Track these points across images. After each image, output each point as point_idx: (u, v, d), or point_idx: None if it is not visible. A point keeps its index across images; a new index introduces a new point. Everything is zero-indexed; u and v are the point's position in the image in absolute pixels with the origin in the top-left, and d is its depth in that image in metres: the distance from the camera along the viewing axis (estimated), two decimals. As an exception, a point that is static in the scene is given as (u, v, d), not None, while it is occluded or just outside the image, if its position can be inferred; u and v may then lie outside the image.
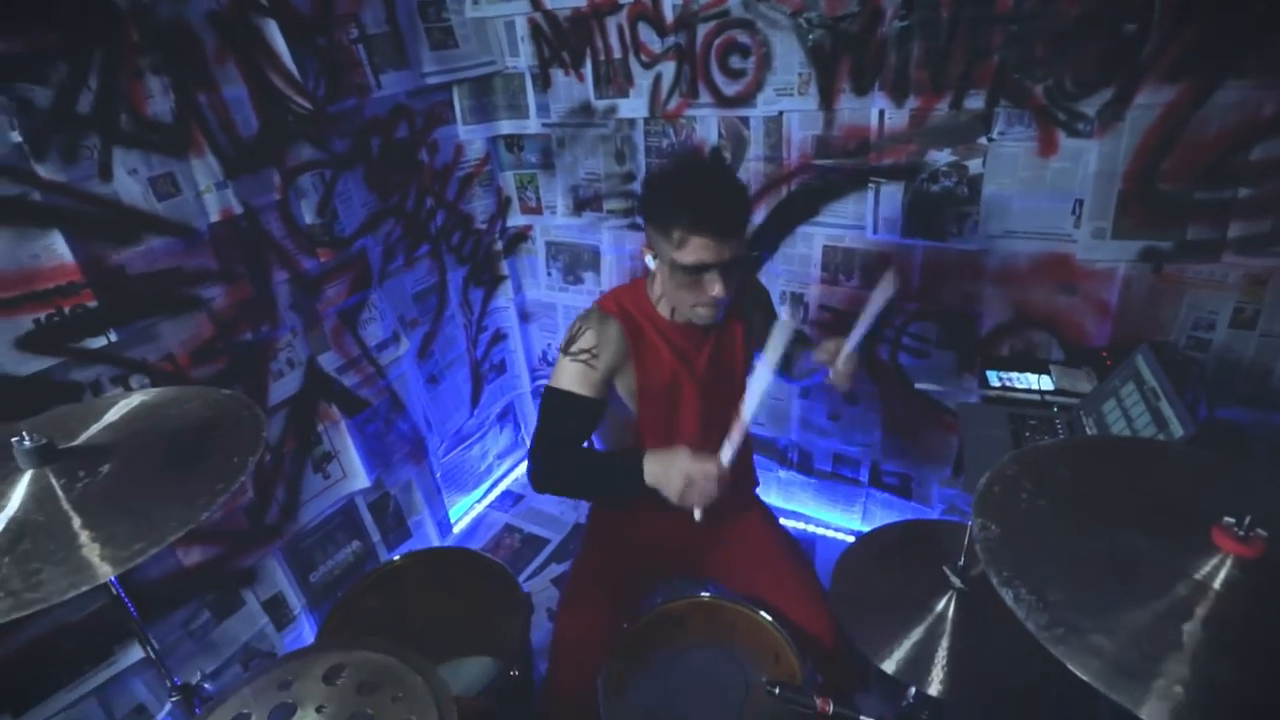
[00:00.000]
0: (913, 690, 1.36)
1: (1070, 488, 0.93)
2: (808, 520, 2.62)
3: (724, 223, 1.36)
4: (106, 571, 0.90)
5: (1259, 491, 0.90)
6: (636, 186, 2.39)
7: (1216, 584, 0.76)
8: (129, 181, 1.63)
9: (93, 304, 1.59)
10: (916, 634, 1.18)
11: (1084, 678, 0.70)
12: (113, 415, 1.18)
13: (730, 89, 2.09)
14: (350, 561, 2.30)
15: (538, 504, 2.86)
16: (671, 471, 1.37)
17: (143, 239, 1.68)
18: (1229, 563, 0.77)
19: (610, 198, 2.46)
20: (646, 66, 2.18)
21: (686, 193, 1.38)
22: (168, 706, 1.77)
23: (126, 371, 1.67)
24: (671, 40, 2.11)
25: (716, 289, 1.39)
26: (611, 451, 1.66)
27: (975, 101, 1.82)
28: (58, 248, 1.53)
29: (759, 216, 2.22)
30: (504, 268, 2.76)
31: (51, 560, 0.91)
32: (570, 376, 1.51)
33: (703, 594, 1.61)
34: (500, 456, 3.00)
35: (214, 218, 1.79)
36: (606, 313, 1.55)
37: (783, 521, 1.87)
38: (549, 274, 2.75)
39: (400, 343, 2.35)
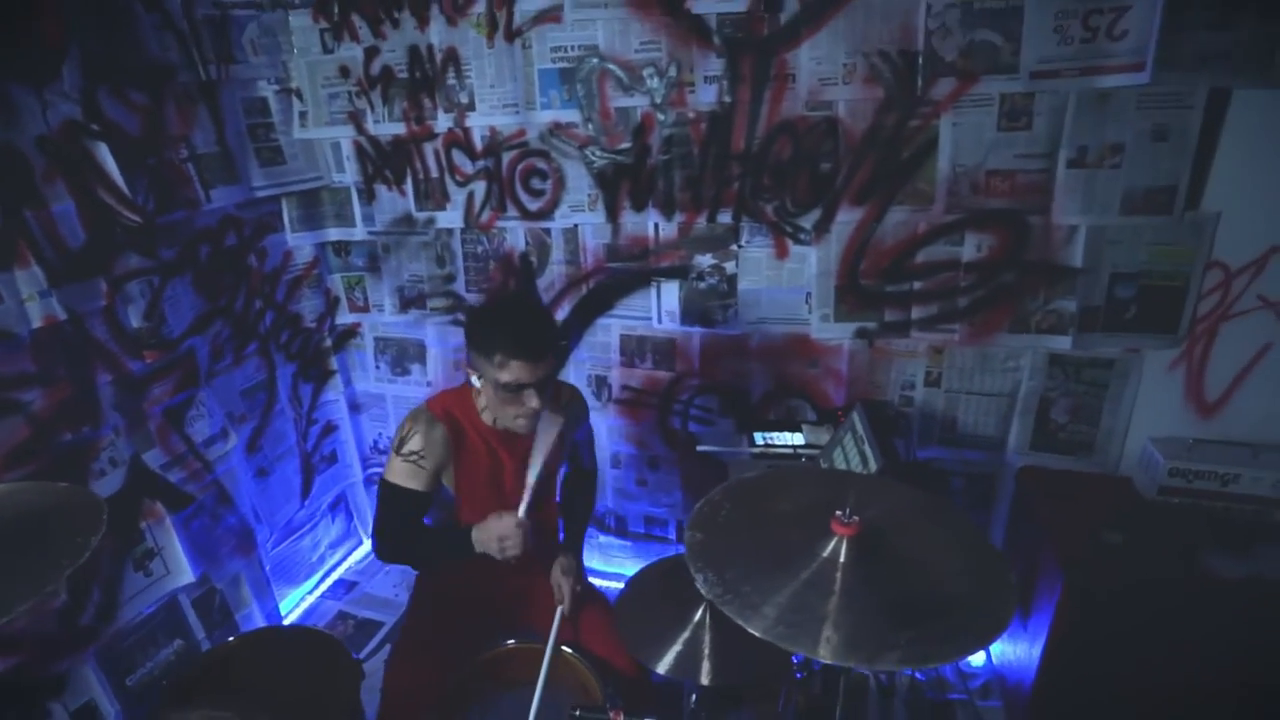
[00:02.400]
0: (694, 698, 1.67)
1: (759, 507, 1.29)
2: (622, 579, 2.89)
3: (537, 348, 1.64)
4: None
5: (874, 496, 1.29)
6: (457, 287, 2.68)
7: (841, 558, 1.12)
8: (-53, 289, 1.70)
9: (-99, 409, 1.62)
10: (683, 639, 1.48)
11: (755, 634, 1.01)
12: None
13: (533, 205, 2.47)
14: (172, 661, 2.28)
15: (371, 589, 2.94)
16: (489, 534, 1.68)
17: (-41, 345, 1.73)
18: (843, 542, 1.13)
19: (434, 297, 2.73)
20: (461, 185, 2.52)
21: (504, 324, 1.67)
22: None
23: (-65, 477, 1.68)
24: (481, 164, 2.47)
25: (534, 402, 1.67)
26: (444, 529, 1.89)
27: (725, 217, 2.30)
28: None
29: (563, 311, 2.57)
30: (333, 362, 2.91)
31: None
32: (401, 474, 1.76)
33: (509, 642, 1.82)
34: (333, 546, 3.05)
35: (36, 323, 1.86)
36: (434, 417, 1.79)
37: (605, 584, 2.17)
38: (378, 367, 2.94)
39: (228, 438, 2.43)
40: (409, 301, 2.77)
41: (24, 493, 1.34)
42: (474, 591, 1.95)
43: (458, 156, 2.49)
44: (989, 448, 2.31)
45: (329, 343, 2.88)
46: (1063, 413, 2.21)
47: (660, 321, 2.49)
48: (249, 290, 2.54)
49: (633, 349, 2.57)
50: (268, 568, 2.64)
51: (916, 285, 2.20)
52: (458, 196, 2.54)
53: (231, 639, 1.94)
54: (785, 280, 2.32)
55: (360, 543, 3.19)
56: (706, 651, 1.47)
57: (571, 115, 2.31)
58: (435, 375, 2.86)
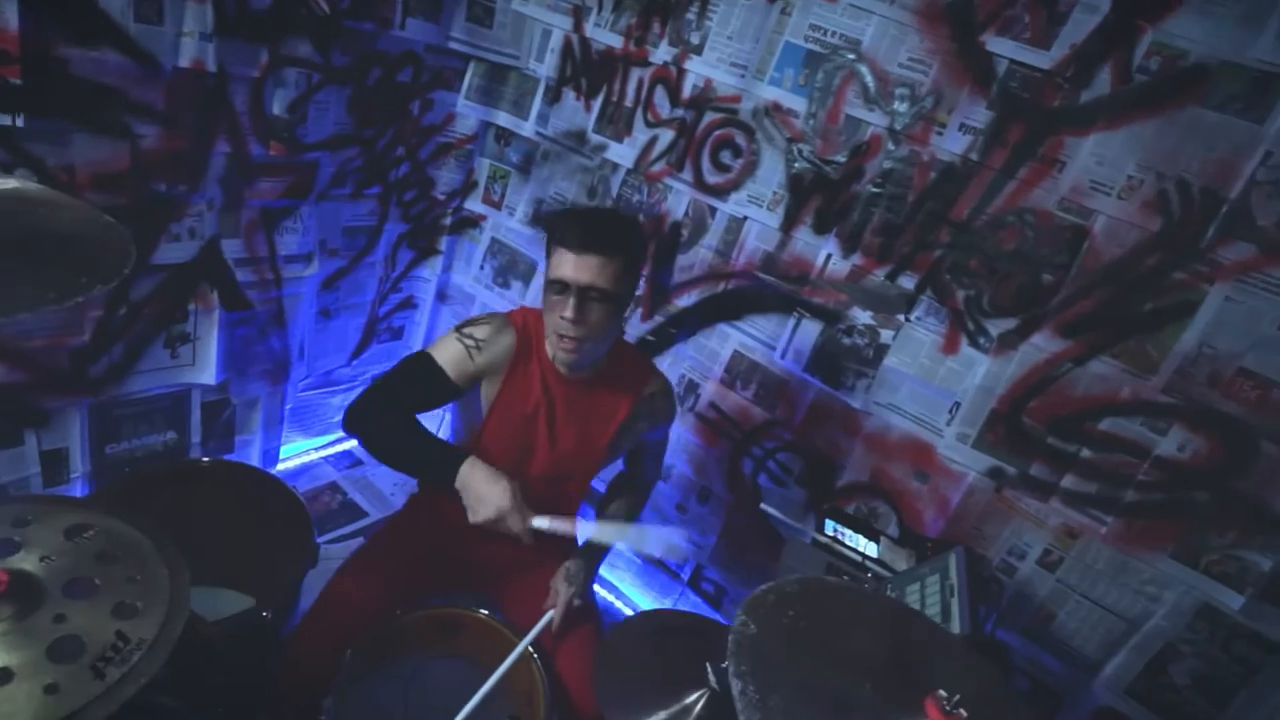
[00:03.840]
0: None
1: (832, 625, 1.00)
2: (619, 595, 2.64)
3: (586, 239, 1.38)
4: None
5: (963, 673, 0.98)
6: (596, 224, 2.47)
7: (914, 743, 0.83)
8: (115, -13, 1.59)
9: (16, 82, 1.51)
10: (665, 717, 1.21)
11: None
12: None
13: (712, 178, 2.21)
14: (157, 450, 2.16)
15: (373, 477, 2.78)
16: (488, 494, 1.38)
17: (101, 48, 1.62)
18: (929, 730, 0.84)
19: (568, 224, 2.52)
20: (649, 125, 2.29)
21: (571, 213, 1.46)
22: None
23: (15, 162, 1.57)
24: (680, 113, 2.23)
25: (568, 311, 1.39)
26: (437, 440, 1.60)
27: (908, 282, 1.98)
28: (7, 9, 1.46)
29: (689, 299, 2.31)
30: (443, 243, 2.76)
31: None
32: (448, 353, 1.52)
33: (482, 611, 1.59)
34: (358, 417, 2.91)
35: (183, 63, 1.75)
36: (510, 323, 1.57)
37: (595, 588, 1.87)
38: (482, 267, 2.77)
39: (311, 264, 2.30)
40: (541, 218, 2.58)
41: (64, 206, 1.18)
42: (459, 543, 1.71)
43: (659, 96, 2.26)
44: (1078, 666, 1.92)
45: (448, 221, 2.72)
46: (1185, 674, 1.81)
47: (783, 357, 2.20)
48: (398, 134, 2.40)
49: (740, 371, 2.29)
50: (289, 406, 2.51)
51: (1085, 452, 1.84)
52: (640, 136, 2.32)
53: (205, 460, 1.78)
54: (939, 378, 1.99)
55: (384, 426, 3.04)
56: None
57: (797, 103, 2.04)
58: (532, 300, 2.65)
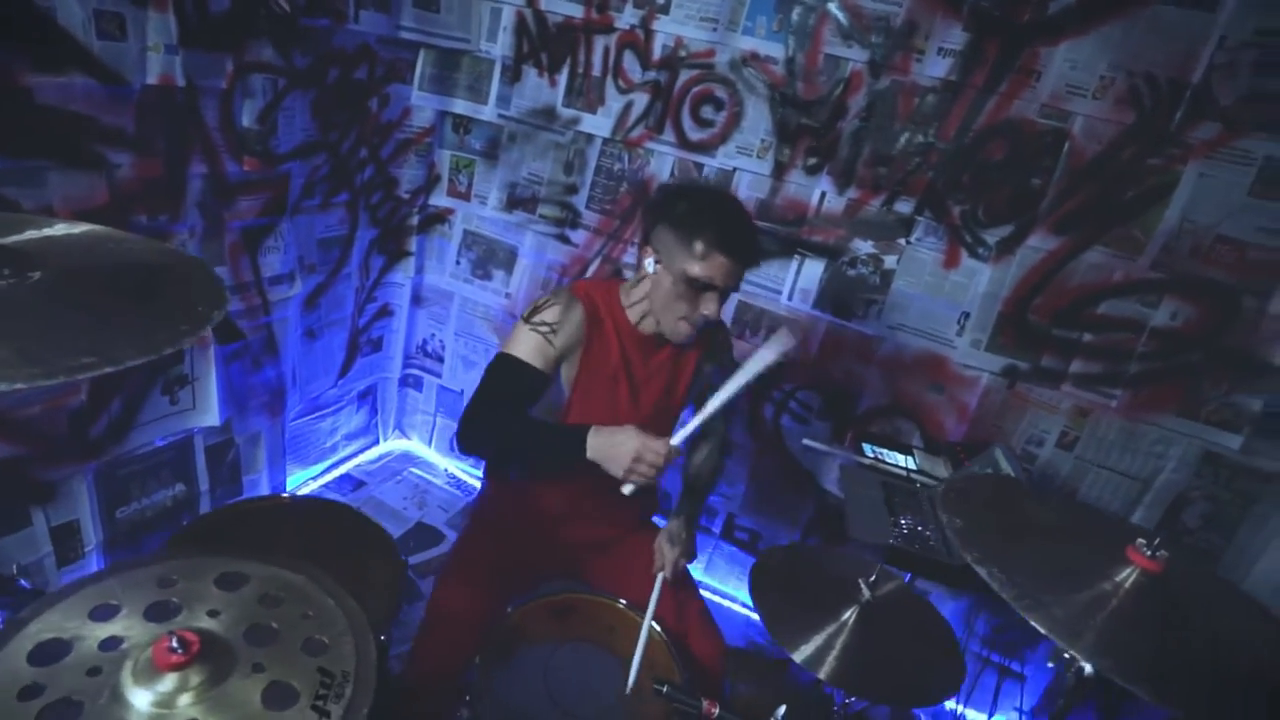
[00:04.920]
0: (782, 709, 1.44)
1: (1009, 512, 1.08)
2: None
3: (747, 252, 1.45)
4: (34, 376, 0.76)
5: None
6: (576, 200, 2.44)
7: (1126, 585, 0.92)
8: (73, 3, 1.44)
9: (-18, 119, 1.35)
10: (826, 634, 1.26)
11: (1043, 630, 0.82)
12: (32, 233, 1.00)
13: (695, 135, 2.24)
14: (167, 505, 2.01)
15: (380, 494, 2.67)
16: (621, 445, 1.35)
17: (66, 71, 1.46)
18: (1136, 572, 0.93)
19: (546, 203, 2.48)
20: (622, 92, 2.28)
21: (719, 211, 1.45)
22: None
23: (-6, 208, 1.41)
24: (652, 75, 2.24)
25: (711, 309, 1.45)
26: (553, 424, 1.58)
27: (904, 207, 2.09)
28: (-36, 41, 1.30)
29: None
30: (412, 244, 2.65)
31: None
32: (527, 345, 1.49)
33: (589, 590, 1.60)
34: (349, 437, 2.78)
35: (151, 79, 1.61)
36: (575, 297, 1.55)
37: None
38: (458, 262, 2.68)
39: (294, 283, 2.17)
40: (517, 201, 2.52)
41: (139, 246, 1.08)
42: (538, 530, 1.70)
43: (629, 61, 2.25)
44: (1105, 530, 2.12)
45: (415, 221, 2.62)
46: (1196, 517, 2.03)
47: (790, 299, 2.27)
48: (359, 135, 2.28)
49: (748, 320, 2.35)
50: (287, 437, 2.37)
51: (1087, 337, 2.01)
52: (614, 104, 2.31)
53: (284, 495, 1.67)
54: (945, 292, 2.11)
55: (376, 442, 2.92)
56: (836, 654, 1.26)
57: (774, 49, 2.09)
58: (518, 288, 2.61)
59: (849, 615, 1.28)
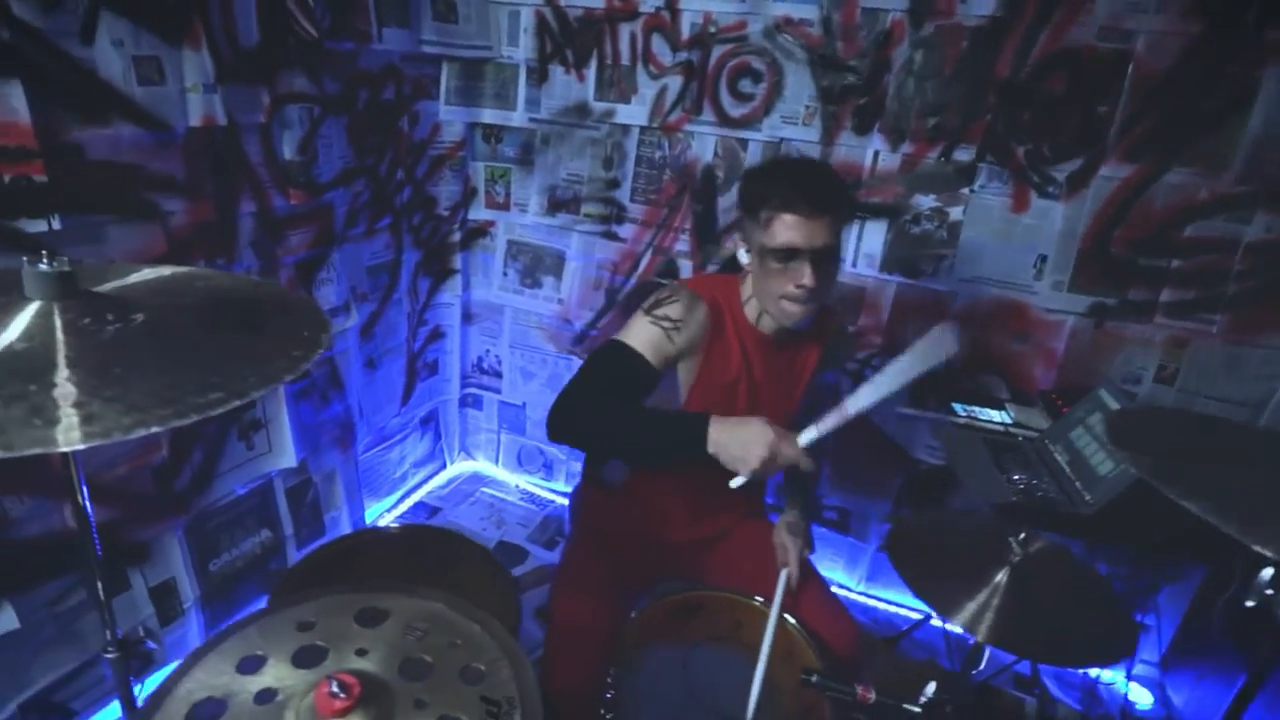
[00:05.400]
0: (932, 686, 1.37)
1: (1180, 441, 1.00)
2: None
3: (815, 200, 1.31)
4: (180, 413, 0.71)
5: None
6: (620, 194, 2.39)
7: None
8: (111, 53, 1.41)
9: (41, 179, 1.32)
10: (979, 597, 1.19)
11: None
12: (120, 281, 0.96)
13: (736, 110, 2.17)
14: (256, 554, 1.98)
15: (456, 517, 2.63)
16: (751, 441, 1.23)
17: (112, 122, 1.44)
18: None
19: (589, 201, 2.43)
20: (654, 77, 2.23)
21: (782, 172, 1.37)
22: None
23: (61, 270, 1.38)
24: (684, 56, 2.18)
25: (804, 277, 1.32)
26: (663, 410, 1.46)
27: (964, 155, 2.00)
28: (14, 101, 1.28)
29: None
30: (457, 261, 2.61)
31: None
32: (644, 337, 1.40)
33: (712, 587, 1.54)
34: (417, 464, 2.75)
35: (194, 121, 1.58)
36: (698, 295, 1.46)
37: None
38: (505, 274, 2.64)
39: (350, 313, 2.13)
40: (559, 203, 2.47)
41: (227, 281, 1.04)
42: (644, 531, 1.65)
43: (657, 44, 2.19)
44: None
45: (457, 237, 2.58)
46: (1315, 436, 1.93)
47: (854, 265, 2.20)
48: (395, 156, 2.25)
49: (812, 293, 2.27)
50: (360, 470, 2.34)
51: (1175, 263, 1.92)
52: (647, 90, 2.25)
53: (394, 526, 1.62)
54: (1017, 237, 2.03)
55: (444, 466, 2.88)
56: (990, 615, 1.19)
57: (807, 11, 2.02)
58: (570, 292, 2.56)
59: (1000, 576, 1.21)
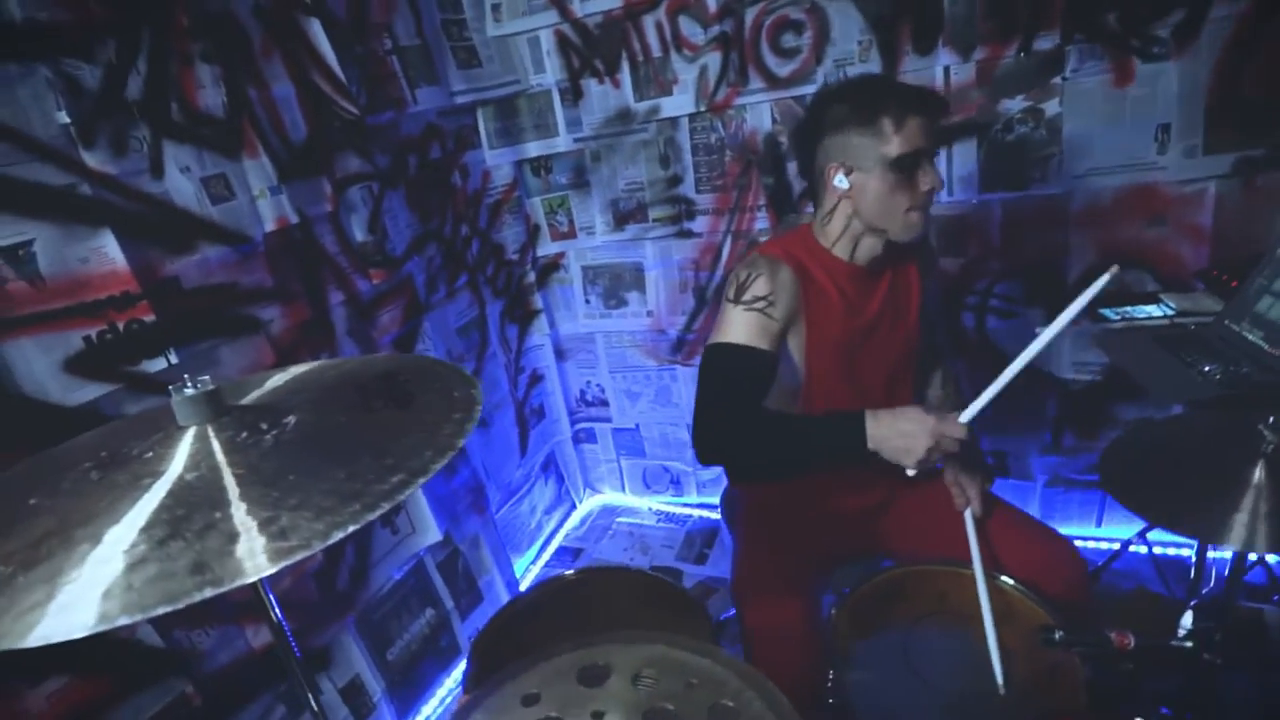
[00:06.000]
0: (1189, 615, 1.22)
1: None
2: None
3: (933, 101, 1.32)
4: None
5: None
6: (684, 189, 2.30)
7: None
8: (181, 180, 1.41)
9: (150, 319, 1.33)
10: (1240, 505, 1.03)
11: None
12: (258, 391, 0.92)
13: (784, 69, 2.06)
14: (425, 634, 1.96)
15: (599, 554, 2.58)
16: (913, 435, 1.19)
17: (197, 247, 1.44)
18: None
19: (656, 205, 2.35)
20: (690, 60, 2.14)
21: (881, 83, 1.36)
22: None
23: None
24: (716, 29, 2.08)
25: (931, 179, 1.30)
26: (811, 416, 1.40)
27: (1045, 42, 1.83)
28: (109, 250, 1.28)
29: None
30: (537, 301, 2.57)
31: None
32: (744, 328, 1.32)
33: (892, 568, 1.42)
34: (548, 511, 2.71)
35: (269, 226, 1.58)
36: (776, 258, 1.38)
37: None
38: (587, 301, 2.58)
39: (454, 377, 2.11)
40: (625, 216, 2.40)
41: (357, 364, 1.01)
42: (808, 514, 1.54)
43: (685, 25, 2.11)
44: None
45: (532, 278, 2.54)
46: None
47: (950, 194, 2.04)
48: (455, 214, 2.22)
49: (910, 235, 2.13)
50: (500, 529, 2.31)
51: (1322, 90, 1.69)
52: (686, 75, 2.16)
53: (570, 572, 1.55)
54: (1128, 114, 1.84)
55: (574, 506, 2.84)
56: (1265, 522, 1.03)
57: (835, -59, 1.90)
58: (658, 302, 2.48)
59: (1257, 473, 1.05)
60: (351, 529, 0.63)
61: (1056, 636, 1.13)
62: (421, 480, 0.69)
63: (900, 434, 1.21)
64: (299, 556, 0.61)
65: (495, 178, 2.39)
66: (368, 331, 1.83)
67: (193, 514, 0.65)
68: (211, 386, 0.79)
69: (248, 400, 0.86)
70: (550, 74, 2.30)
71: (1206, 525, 1.04)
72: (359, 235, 1.81)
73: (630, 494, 2.83)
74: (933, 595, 1.38)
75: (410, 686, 1.90)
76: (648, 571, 1.51)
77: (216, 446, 0.75)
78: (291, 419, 0.80)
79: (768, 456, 1.32)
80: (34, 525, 0.69)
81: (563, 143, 2.38)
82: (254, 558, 0.60)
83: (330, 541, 0.62)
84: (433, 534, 1.93)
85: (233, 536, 0.62)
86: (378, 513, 0.65)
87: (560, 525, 2.75)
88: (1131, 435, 1.22)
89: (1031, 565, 1.36)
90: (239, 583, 0.57)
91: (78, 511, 0.69)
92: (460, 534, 2.09)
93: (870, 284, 1.44)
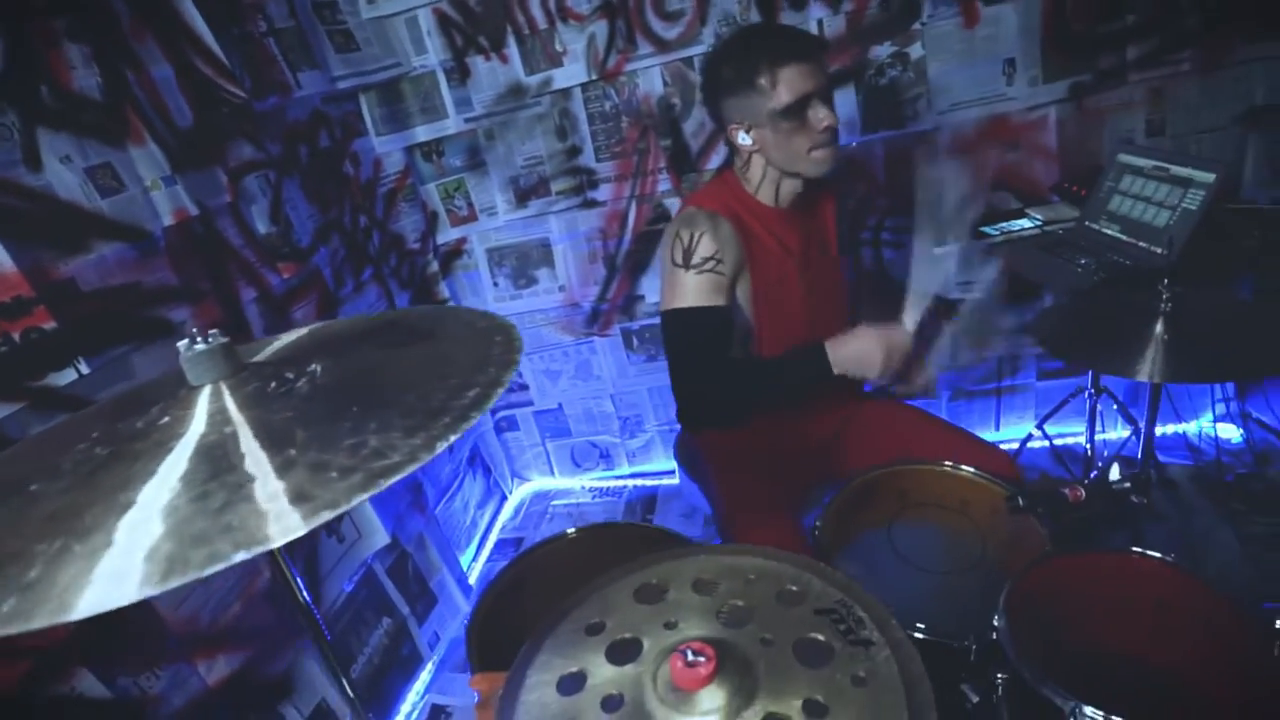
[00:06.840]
0: (1115, 467, 1.39)
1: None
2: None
3: (806, 43, 1.38)
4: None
5: None
6: (584, 160, 2.31)
7: None
8: (63, 171, 1.26)
9: (50, 326, 1.18)
10: (1152, 349, 1.20)
11: None
12: (273, 347, 0.85)
13: (670, 32, 2.12)
14: (386, 645, 1.85)
15: (539, 539, 2.53)
16: (869, 351, 1.36)
17: (91, 245, 1.30)
18: None
19: (557, 178, 2.34)
20: (578, 30, 2.15)
21: (755, 35, 1.41)
22: None
23: (109, 414, 1.23)
24: (599, -5, 2.11)
25: (824, 117, 1.37)
26: (778, 356, 1.49)
27: (901, -9, 2.01)
28: (-7, 250, 1.12)
29: (718, 159, 2.23)
30: (443, 290, 2.49)
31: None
32: (698, 290, 1.40)
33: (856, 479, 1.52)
34: (480, 506, 2.62)
35: (167, 220, 1.44)
36: (714, 212, 1.44)
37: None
38: (495, 284, 2.53)
39: (376, 373, 2.00)
40: (526, 192, 2.37)
41: (363, 322, 0.95)
42: (789, 441, 1.65)
43: (569, -5, 2.12)
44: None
45: (435, 267, 2.45)
46: (1304, 129, 2.02)
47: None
48: (353, 205, 2.11)
49: (805, 181, 2.26)
50: (442, 526, 2.22)
51: (1130, 19, 1.97)
52: (575, 45, 2.17)
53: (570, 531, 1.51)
54: (980, 52, 2.05)
55: (504, 497, 2.77)
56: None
57: (704, -95, 1.98)
58: (569, 276, 2.47)
59: (1158, 325, 1.22)
60: (452, 438, 0.60)
61: (1020, 502, 1.27)
62: (498, 391, 0.67)
63: (857, 353, 1.38)
64: (370, 492, 0.56)
65: (387, 165, 2.29)
66: (285, 328, 1.70)
67: (224, 475, 0.59)
68: (225, 339, 0.72)
69: (265, 355, 0.80)
70: (433, 54, 2.23)
71: (1124, 363, 1.21)
72: (262, 227, 1.68)
73: (560, 476, 2.80)
74: (894, 493, 1.49)
75: (379, 700, 1.80)
76: (644, 525, 1.52)
77: (237, 402, 0.68)
78: (316, 367, 0.75)
79: (750, 403, 1.47)
80: (40, 507, 0.60)
81: (453, 124, 2.31)
82: (328, 492, 0.55)
83: (409, 471, 0.58)
84: (380, 537, 1.83)
85: (313, 469, 0.57)
86: (465, 427, 0.62)
87: (495, 518, 2.68)
88: (1055, 308, 1.39)
89: (975, 461, 1.51)
90: (302, 531, 0.53)
91: (92, 489, 0.61)
92: (405, 535, 1.99)
93: (795, 222, 1.54)
